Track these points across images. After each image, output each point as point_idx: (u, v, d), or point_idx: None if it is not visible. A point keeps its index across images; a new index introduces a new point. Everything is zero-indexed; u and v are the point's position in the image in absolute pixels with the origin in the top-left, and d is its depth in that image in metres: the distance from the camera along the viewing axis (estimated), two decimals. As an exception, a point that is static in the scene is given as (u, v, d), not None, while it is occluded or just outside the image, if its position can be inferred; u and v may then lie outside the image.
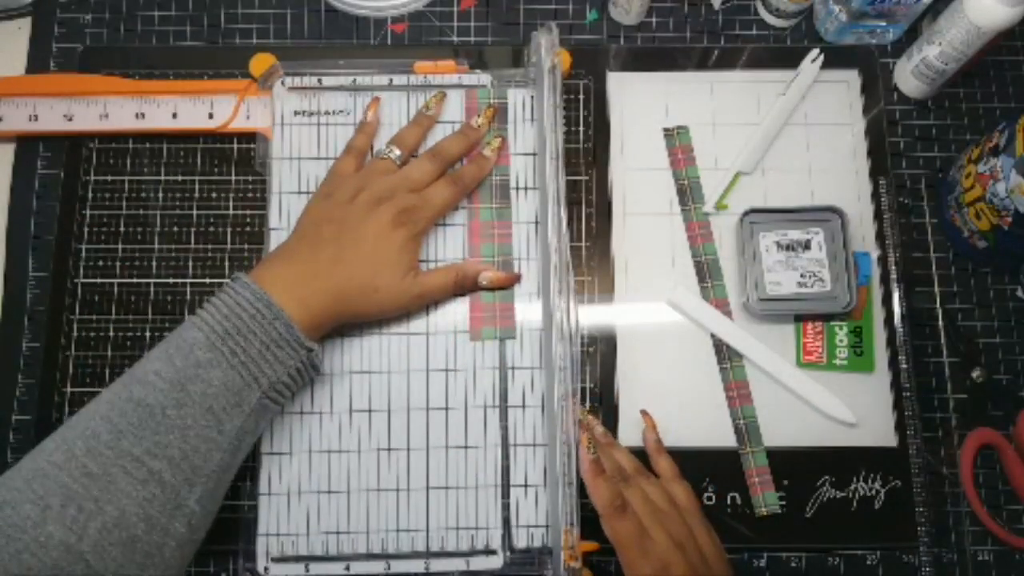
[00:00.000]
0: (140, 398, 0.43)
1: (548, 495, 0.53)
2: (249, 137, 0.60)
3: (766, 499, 0.54)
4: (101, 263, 0.58)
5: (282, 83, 0.60)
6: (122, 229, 0.59)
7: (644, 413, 0.55)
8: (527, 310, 0.56)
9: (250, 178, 0.60)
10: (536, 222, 0.58)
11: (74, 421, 0.43)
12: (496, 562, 0.53)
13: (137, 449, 0.42)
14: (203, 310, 0.46)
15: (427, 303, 0.56)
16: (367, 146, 0.57)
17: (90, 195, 0.59)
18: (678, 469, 0.53)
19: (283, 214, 0.58)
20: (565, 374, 0.51)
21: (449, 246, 0.57)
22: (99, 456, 0.41)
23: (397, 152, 0.55)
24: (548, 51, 0.56)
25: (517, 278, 0.56)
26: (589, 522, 0.50)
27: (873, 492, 0.54)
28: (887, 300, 0.57)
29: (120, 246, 0.58)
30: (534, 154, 0.59)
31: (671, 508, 0.49)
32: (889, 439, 0.55)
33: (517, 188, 0.58)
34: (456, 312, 0.56)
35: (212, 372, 0.44)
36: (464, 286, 0.55)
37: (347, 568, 0.52)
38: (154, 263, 0.58)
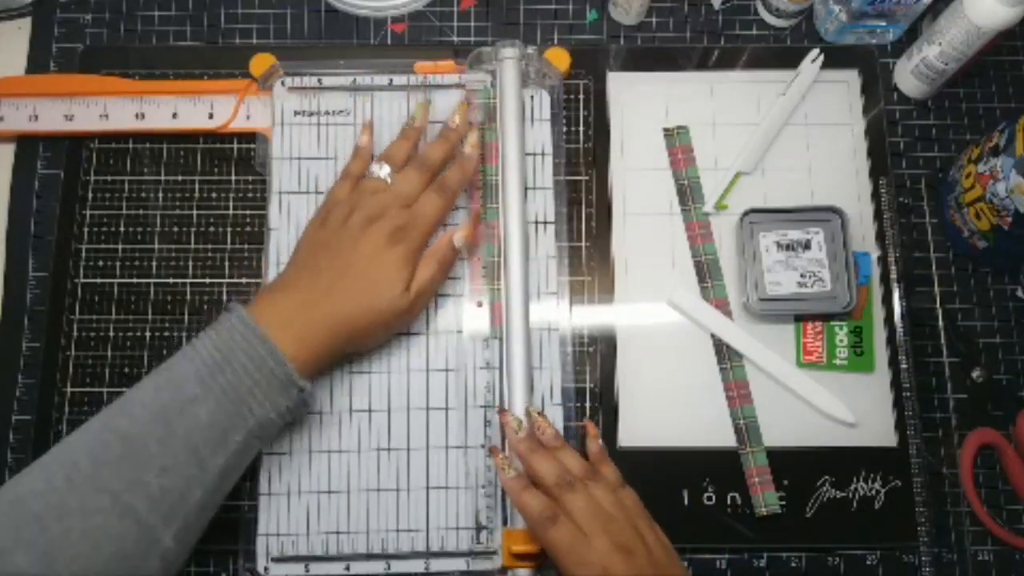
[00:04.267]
0: (125, 430, 0.42)
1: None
2: (249, 137, 0.60)
3: (766, 499, 0.54)
4: (101, 263, 0.58)
5: (282, 83, 0.60)
6: (122, 229, 0.59)
7: (588, 423, 0.53)
8: (533, 310, 0.56)
9: (250, 178, 0.60)
10: (537, 222, 0.58)
11: (59, 449, 0.42)
12: (496, 563, 0.53)
13: (116, 484, 0.41)
14: (198, 340, 0.45)
15: (425, 305, 0.55)
16: (362, 170, 0.55)
17: (90, 195, 0.59)
18: (622, 476, 0.50)
19: (283, 214, 0.58)
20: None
21: (449, 246, 0.57)
22: (77, 488, 0.41)
23: (387, 169, 0.53)
24: (515, 64, 0.58)
25: (475, 217, 0.55)
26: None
27: (873, 492, 0.54)
28: (887, 300, 0.57)
29: (120, 246, 0.58)
30: (534, 154, 0.59)
31: (619, 512, 0.46)
32: (889, 439, 0.55)
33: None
34: (456, 312, 0.56)
35: (199, 408, 0.43)
36: (449, 262, 0.54)
37: (347, 568, 0.52)
38: (154, 263, 0.58)
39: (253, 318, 0.46)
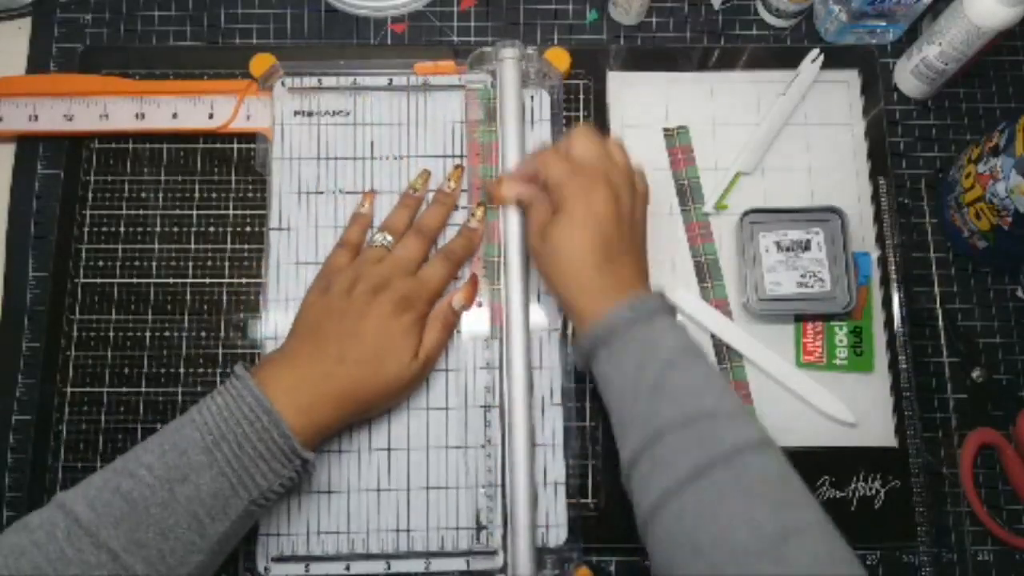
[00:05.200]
0: (127, 491, 0.43)
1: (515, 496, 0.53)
2: (249, 138, 0.60)
3: (766, 499, 0.54)
4: (101, 263, 0.58)
5: (282, 83, 0.60)
6: (122, 229, 0.59)
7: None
8: (533, 310, 0.56)
9: (250, 179, 0.60)
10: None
11: (61, 499, 0.43)
12: (496, 562, 0.53)
13: (115, 543, 0.41)
14: (204, 406, 0.45)
15: (431, 369, 0.54)
16: (361, 238, 0.56)
17: (90, 195, 0.59)
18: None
19: (283, 215, 0.58)
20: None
21: (449, 246, 0.57)
22: (77, 542, 0.41)
23: (389, 238, 0.54)
24: (515, 64, 0.57)
25: (474, 281, 0.56)
26: (590, 521, 0.50)
27: (873, 492, 0.54)
28: (887, 300, 0.57)
29: (120, 246, 0.58)
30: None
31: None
32: (889, 439, 0.55)
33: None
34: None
35: (202, 477, 0.43)
36: (451, 325, 0.54)
37: (347, 568, 0.52)
38: (154, 264, 0.58)
39: (259, 384, 0.46)
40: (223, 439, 0.44)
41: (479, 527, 0.53)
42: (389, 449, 0.54)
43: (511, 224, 0.55)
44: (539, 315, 0.56)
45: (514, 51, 0.58)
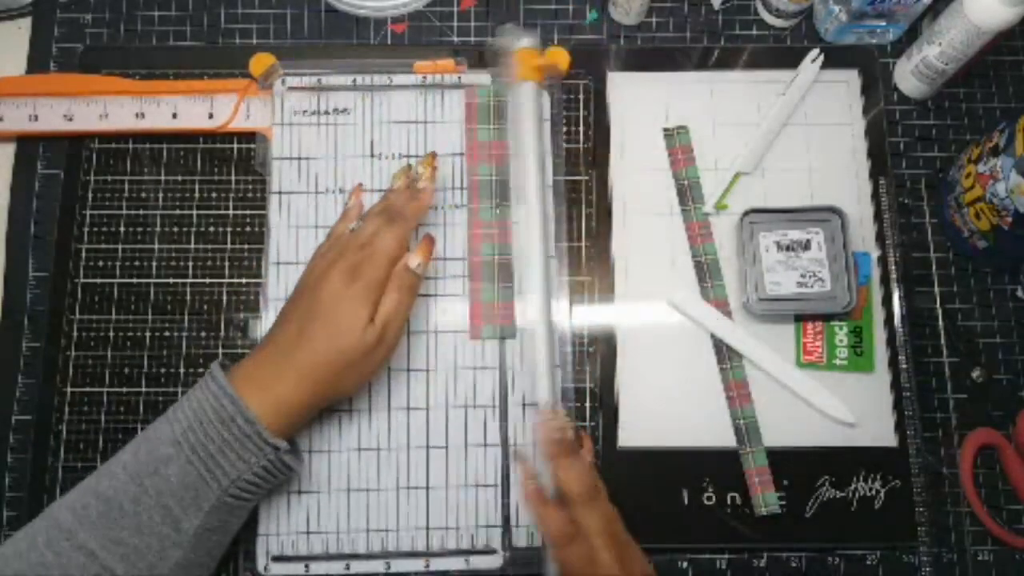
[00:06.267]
0: (103, 490, 0.43)
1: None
2: (249, 137, 0.60)
3: (766, 499, 0.54)
4: (101, 263, 0.58)
5: (282, 82, 0.60)
6: (122, 229, 0.59)
7: (584, 435, 0.53)
8: (529, 309, 0.56)
9: (250, 178, 0.60)
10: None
11: (45, 511, 0.44)
12: (496, 561, 0.53)
13: (93, 543, 0.42)
14: (178, 402, 0.46)
15: (396, 334, 0.50)
16: (346, 230, 0.53)
17: (90, 195, 0.59)
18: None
19: (283, 214, 0.58)
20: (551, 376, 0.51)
21: (450, 246, 0.57)
22: (57, 546, 0.42)
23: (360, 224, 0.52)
24: (515, 50, 0.56)
25: (428, 240, 0.52)
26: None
27: (873, 492, 0.54)
28: (887, 300, 0.57)
29: (120, 246, 0.58)
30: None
31: (623, 533, 0.48)
32: (889, 439, 0.55)
33: (516, 189, 0.58)
34: (456, 312, 0.57)
35: (170, 468, 0.44)
36: (410, 286, 0.51)
37: (347, 567, 0.52)
38: (154, 263, 0.58)
39: (229, 376, 0.46)
40: (190, 429, 0.44)
41: (479, 527, 0.53)
42: (389, 448, 0.54)
43: (532, 217, 0.54)
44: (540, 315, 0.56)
45: (532, 40, 0.57)
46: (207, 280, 0.58)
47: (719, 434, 0.55)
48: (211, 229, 0.59)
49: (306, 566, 0.52)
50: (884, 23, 0.62)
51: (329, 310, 0.48)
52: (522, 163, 0.55)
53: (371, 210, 0.53)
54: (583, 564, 0.45)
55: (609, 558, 0.45)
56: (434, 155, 0.55)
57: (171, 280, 0.58)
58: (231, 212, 0.59)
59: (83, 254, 0.58)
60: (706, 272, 0.58)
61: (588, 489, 0.47)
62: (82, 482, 0.45)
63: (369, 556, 0.53)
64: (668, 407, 0.56)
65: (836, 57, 0.61)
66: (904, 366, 0.56)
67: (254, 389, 0.46)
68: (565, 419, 0.50)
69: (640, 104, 0.61)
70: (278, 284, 0.57)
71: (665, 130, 0.60)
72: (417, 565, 0.53)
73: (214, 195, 0.59)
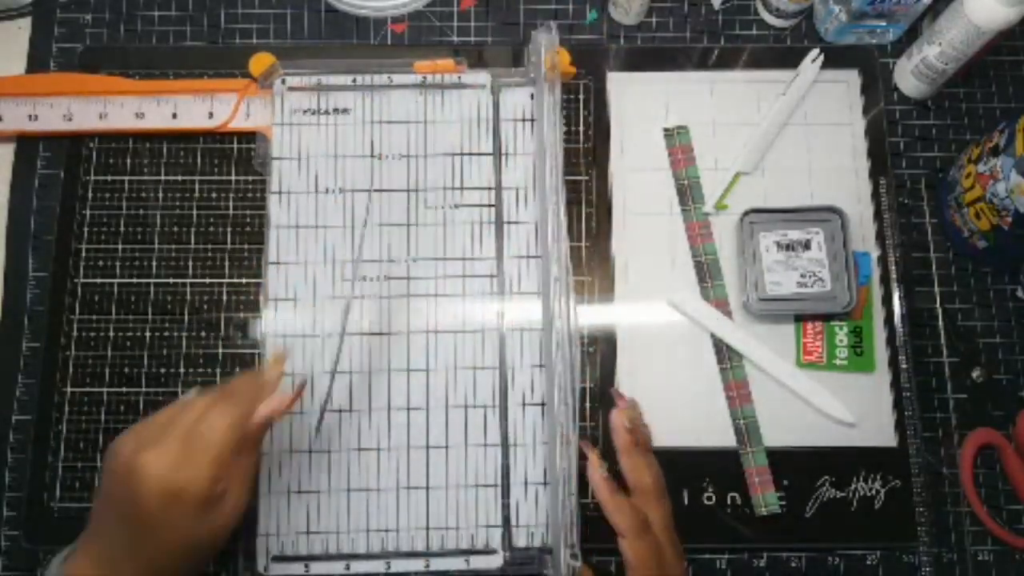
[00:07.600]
0: None
1: (548, 494, 0.53)
2: (249, 137, 0.60)
3: (766, 499, 0.54)
4: (101, 263, 0.58)
5: (282, 82, 0.60)
6: (122, 229, 0.59)
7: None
8: (529, 310, 0.56)
9: (250, 178, 0.60)
10: (536, 222, 0.58)
11: None
12: (496, 561, 0.53)
13: None
14: None
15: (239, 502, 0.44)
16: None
17: (90, 195, 0.59)
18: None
19: (283, 213, 0.58)
20: (566, 375, 0.51)
21: (450, 246, 0.57)
22: None
23: None
24: (547, 50, 0.56)
25: (300, 389, 0.47)
26: (591, 522, 0.50)
27: (873, 492, 0.54)
28: (887, 300, 0.57)
29: (120, 246, 0.58)
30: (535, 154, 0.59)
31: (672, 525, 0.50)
32: (889, 439, 0.55)
33: (516, 189, 0.58)
34: (456, 312, 0.56)
35: None
36: (254, 434, 0.44)
37: (347, 567, 0.52)
38: (154, 263, 0.58)
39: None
40: None
41: (479, 527, 0.53)
42: (389, 448, 0.54)
43: (548, 212, 0.55)
44: (541, 315, 0.56)
45: (551, 36, 0.57)
46: (207, 280, 0.58)
47: (719, 434, 0.55)
48: (211, 229, 0.59)
49: (306, 566, 0.52)
50: (884, 23, 0.62)
51: (160, 519, 0.41)
52: (548, 163, 0.55)
53: (214, 395, 0.45)
54: (650, 557, 0.46)
55: (673, 554, 0.47)
56: (285, 350, 0.53)
57: (171, 280, 0.58)
58: (231, 212, 0.59)
59: (83, 254, 0.58)
60: (706, 272, 0.58)
61: (658, 485, 0.49)
62: None
63: (369, 556, 0.53)
64: (668, 407, 0.56)
65: (836, 57, 0.61)
66: (904, 366, 0.56)
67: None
68: (640, 413, 0.52)
69: (640, 104, 0.61)
70: (278, 284, 0.57)
71: (665, 130, 0.60)
72: (417, 565, 0.53)
73: (214, 195, 0.59)
